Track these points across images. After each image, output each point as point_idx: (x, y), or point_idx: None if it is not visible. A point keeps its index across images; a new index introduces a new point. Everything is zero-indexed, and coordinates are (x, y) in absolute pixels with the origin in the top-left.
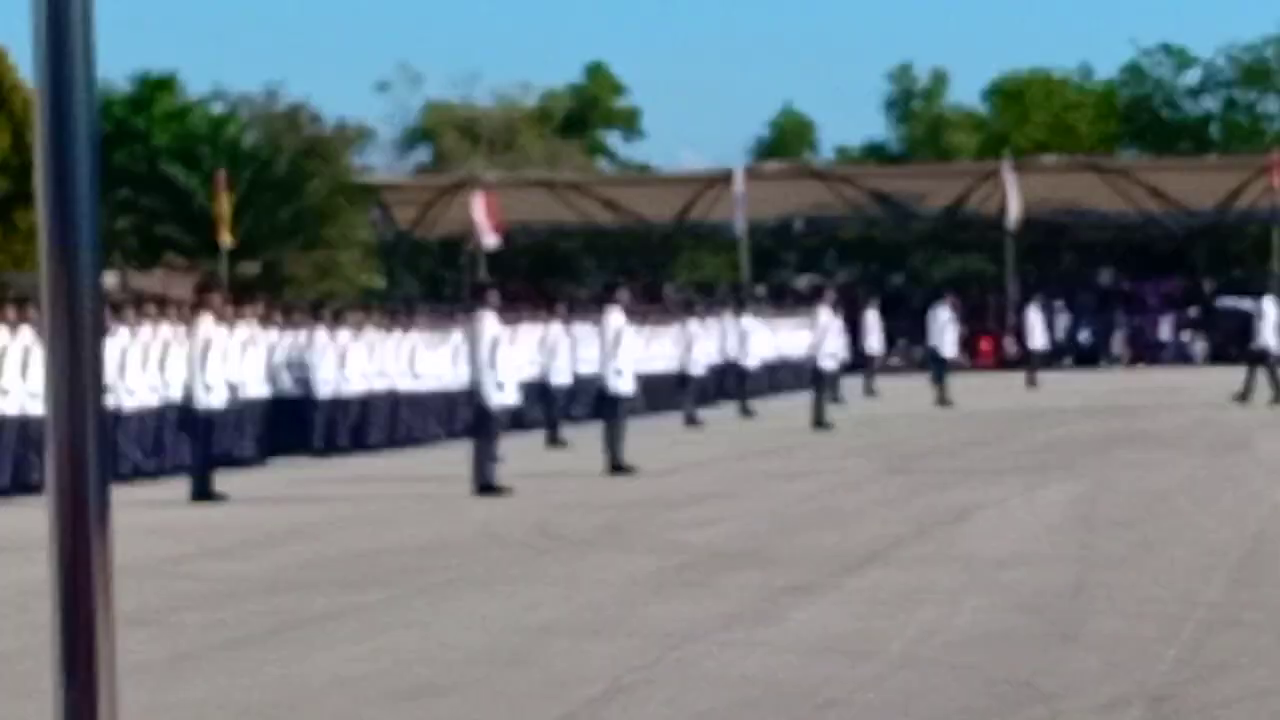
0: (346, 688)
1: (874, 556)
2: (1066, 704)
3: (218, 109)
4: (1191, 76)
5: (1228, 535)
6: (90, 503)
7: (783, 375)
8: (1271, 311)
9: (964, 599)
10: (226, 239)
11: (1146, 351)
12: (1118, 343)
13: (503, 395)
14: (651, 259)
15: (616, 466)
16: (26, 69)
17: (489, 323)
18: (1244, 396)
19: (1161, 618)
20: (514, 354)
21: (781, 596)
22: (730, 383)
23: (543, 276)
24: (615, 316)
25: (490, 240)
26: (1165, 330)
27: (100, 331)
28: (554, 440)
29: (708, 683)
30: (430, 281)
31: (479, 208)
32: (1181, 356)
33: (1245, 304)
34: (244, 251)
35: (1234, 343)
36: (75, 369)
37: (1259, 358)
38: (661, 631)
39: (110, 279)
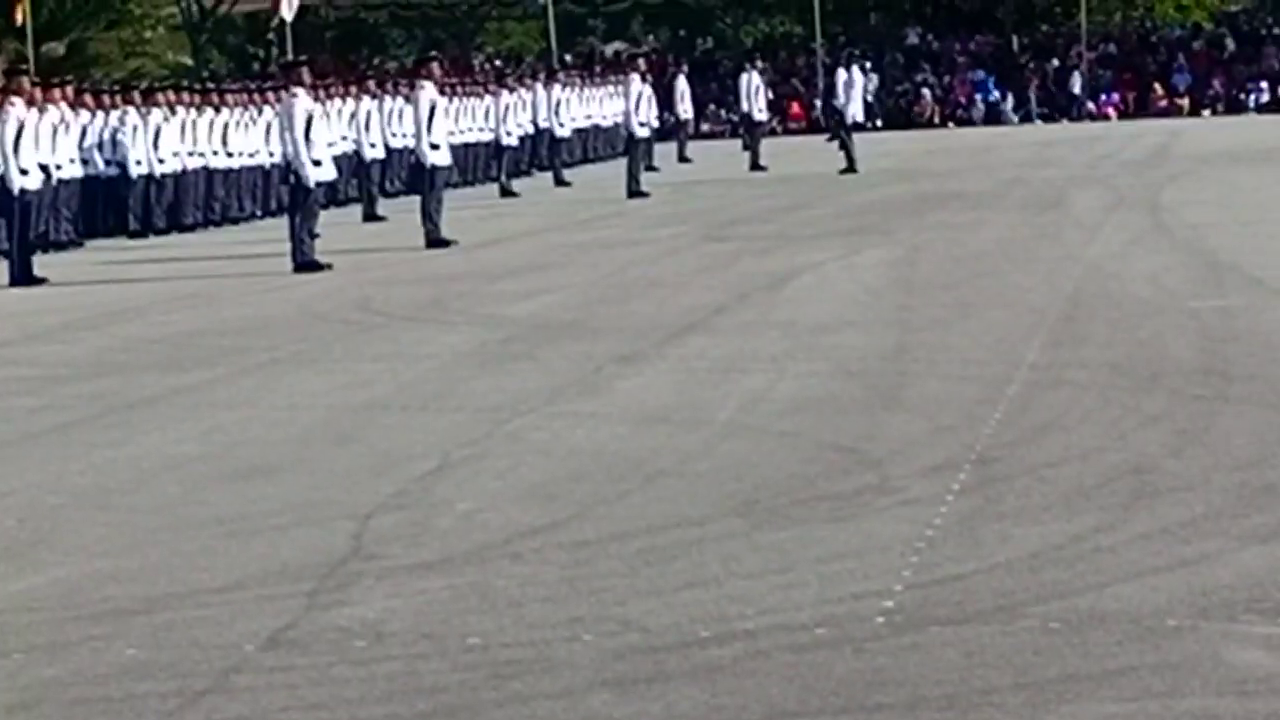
0: (178, 469)
1: (696, 324)
2: (895, 469)
3: None
4: None
5: (1046, 295)
6: None
7: (595, 143)
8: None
9: (787, 365)
10: (19, 17)
11: (956, 110)
12: (926, 102)
13: (319, 171)
14: (459, 30)
15: (435, 240)
16: None
17: (302, 99)
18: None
19: (984, 380)
20: (328, 130)
21: (606, 367)
22: (543, 152)
23: (349, 50)
24: (428, 89)
25: (287, 11)
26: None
27: None
28: (370, 215)
29: (538, 455)
30: (238, 57)
31: None
32: (992, 116)
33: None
34: (48, 32)
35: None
36: None
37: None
38: (489, 405)
39: None
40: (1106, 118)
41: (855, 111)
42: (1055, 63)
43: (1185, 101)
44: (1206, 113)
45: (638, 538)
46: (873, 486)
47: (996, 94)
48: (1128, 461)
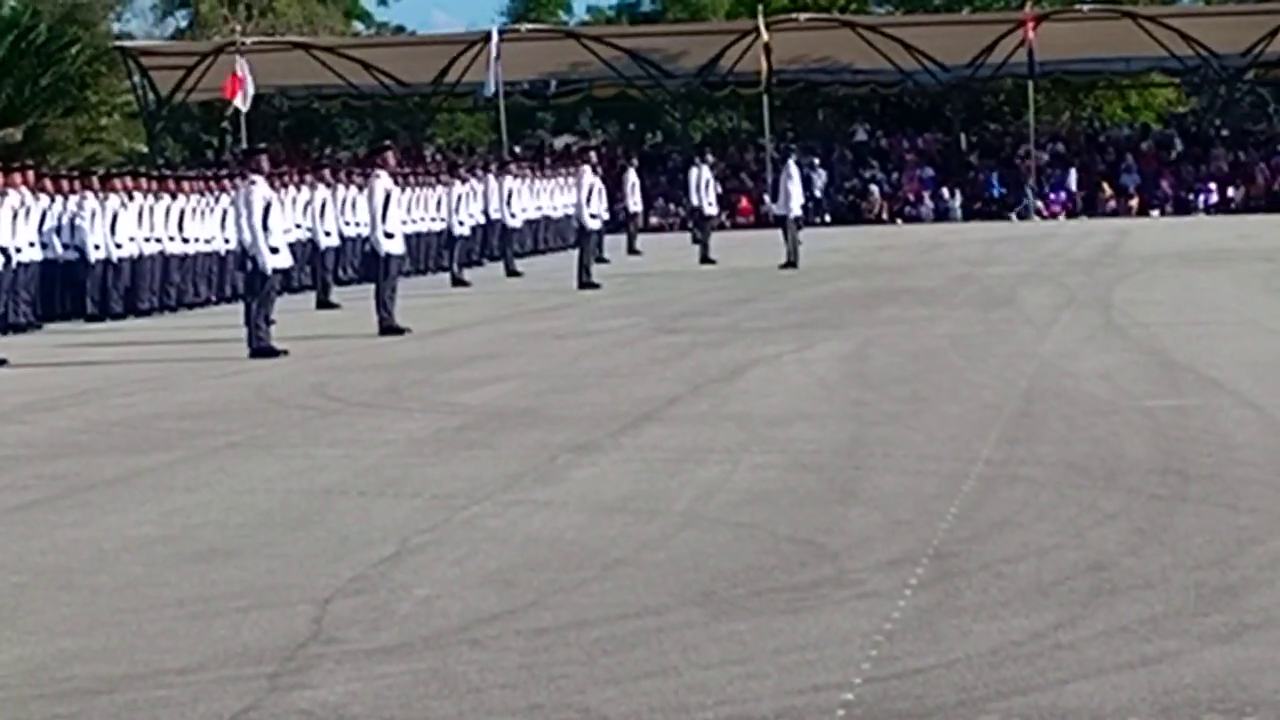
0: (139, 551)
1: (650, 415)
2: (852, 562)
3: None
4: None
5: (1000, 391)
6: None
7: (546, 234)
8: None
9: (743, 457)
10: None
11: (905, 207)
12: (875, 199)
13: (277, 258)
14: (410, 121)
15: (389, 328)
16: None
17: (260, 187)
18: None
19: (940, 475)
20: (284, 218)
21: (561, 455)
22: (495, 242)
23: (301, 139)
24: (383, 178)
25: (243, 103)
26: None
27: None
28: (324, 302)
29: (495, 543)
30: (192, 145)
31: (244, 71)
32: (940, 213)
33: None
34: (6, 118)
35: None
36: None
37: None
38: (446, 492)
39: None
40: (1054, 216)
41: (791, 206)
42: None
43: (1134, 201)
44: (1155, 213)
45: (596, 626)
46: (830, 579)
47: (945, 192)
48: (1086, 559)
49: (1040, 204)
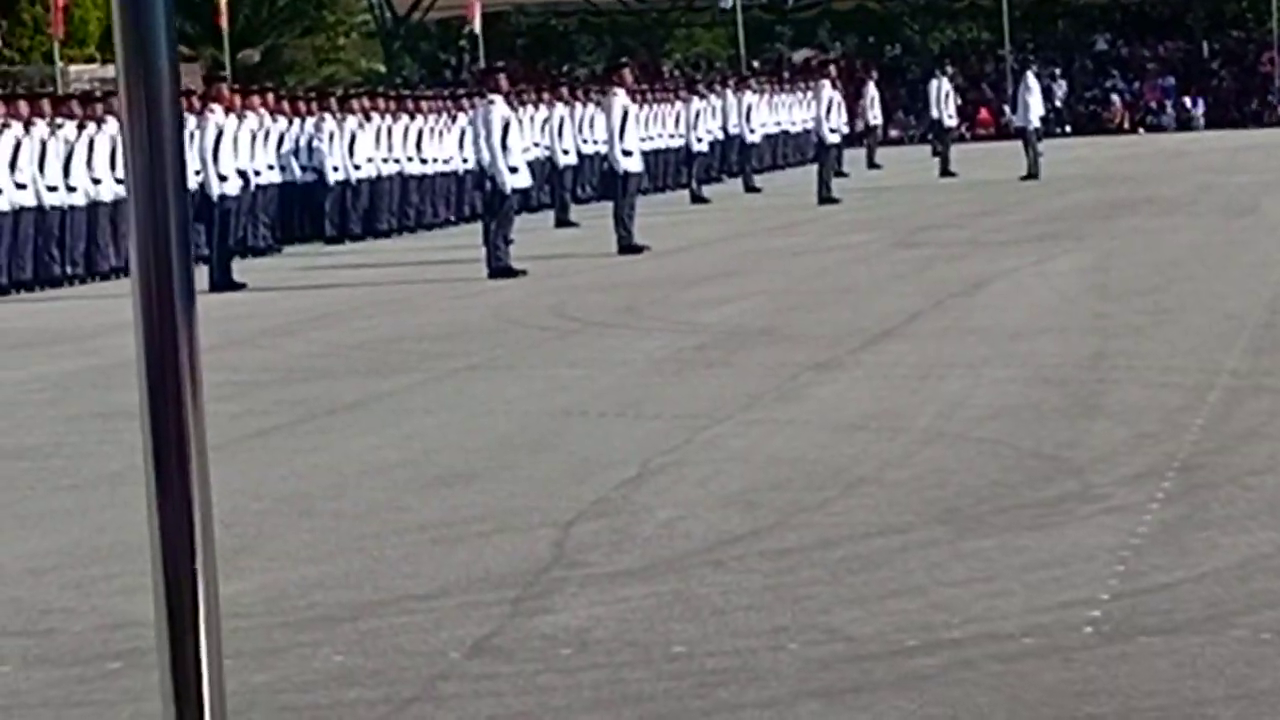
0: (379, 475)
1: (891, 331)
2: (1097, 476)
3: None
4: None
5: (1244, 301)
6: (176, 290)
7: (784, 150)
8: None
9: (985, 371)
10: (225, 23)
11: (1146, 116)
12: (1116, 109)
13: (516, 178)
14: (648, 37)
15: (628, 246)
16: None
17: (499, 106)
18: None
19: (1185, 387)
20: (522, 137)
21: (802, 374)
22: (733, 158)
23: (539, 57)
24: (620, 96)
25: (477, 22)
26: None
27: (179, 118)
28: (563, 221)
29: (737, 463)
30: (430, 64)
31: None
32: (1182, 121)
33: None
34: (244, 39)
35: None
36: (156, 156)
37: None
38: (687, 412)
39: (113, 71)
40: None
41: (1030, 117)
42: None
43: None
44: None
45: (840, 545)
46: (1075, 494)
47: (1187, 100)
48: None
49: None
